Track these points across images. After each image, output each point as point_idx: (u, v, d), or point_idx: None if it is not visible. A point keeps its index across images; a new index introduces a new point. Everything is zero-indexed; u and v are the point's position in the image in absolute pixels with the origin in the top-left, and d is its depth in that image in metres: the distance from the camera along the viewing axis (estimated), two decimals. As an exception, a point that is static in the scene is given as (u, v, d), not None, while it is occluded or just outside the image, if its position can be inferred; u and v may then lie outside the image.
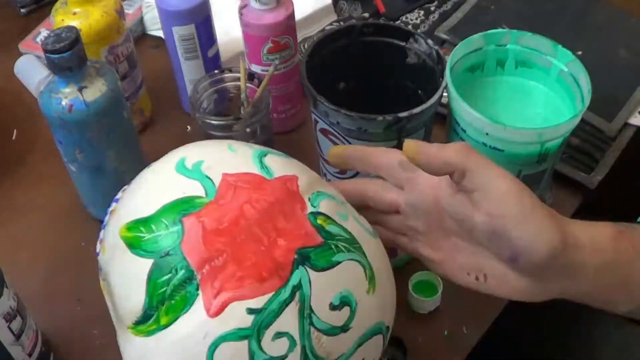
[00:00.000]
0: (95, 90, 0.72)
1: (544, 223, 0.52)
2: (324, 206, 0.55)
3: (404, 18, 1.04)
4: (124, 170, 0.79)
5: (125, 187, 0.61)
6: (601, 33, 0.99)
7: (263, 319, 0.49)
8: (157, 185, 0.56)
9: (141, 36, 1.07)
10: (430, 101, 0.74)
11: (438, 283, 0.76)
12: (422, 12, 1.04)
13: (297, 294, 0.50)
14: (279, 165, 0.57)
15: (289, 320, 0.50)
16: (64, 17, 0.81)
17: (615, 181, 0.87)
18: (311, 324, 0.51)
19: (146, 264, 0.51)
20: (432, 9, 1.04)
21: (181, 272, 0.50)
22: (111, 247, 0.55)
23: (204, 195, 0.53)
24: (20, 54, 1.02)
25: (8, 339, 0.65)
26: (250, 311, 0.49)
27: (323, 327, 0.51)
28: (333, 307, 0.52)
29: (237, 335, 0.49)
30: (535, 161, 0.74)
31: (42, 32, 1.05)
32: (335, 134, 0.76)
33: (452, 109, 0.75)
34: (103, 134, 0.75)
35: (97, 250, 0.58)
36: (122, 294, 0.53)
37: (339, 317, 0.52)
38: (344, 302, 0.52)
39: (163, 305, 0.50)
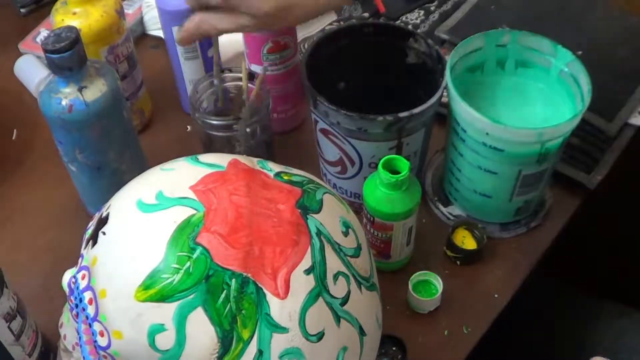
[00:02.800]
0: (95, 90, 0.72)
1: None
2: (274, 167, 0.59)
3: (404, 18, 1.04)
4: (124, 170, 0.79)
5: (82, 273, 0.56)
6: (601, 33, 0.98)
7: (319, 272, 0.53)
8: (140, 234, 0.53)
9: (141, 36, 1.07)
10: (430, 101, 0.74)
11: (438, 283, 0.76)
12: (422, 12, 1.04)
13: (322, 238, 0.54)
14: (215, 158, 0.59)
15: (333, 261, 0.54)
16: (64, 17, 0.81)
17: (615, 181, 0.87)
18: (345, 254, 0.55)
19: (195, 300, 0.50)
20: (432, 9, 1.04)
21: (233, 282, 0.50)
22: (132, 321, 0.51)
23: (194, 212, 0.52)
24: (20, 54, 1.02)
25: (8, 339, 0.64)
26: (308, 271, 0.52)
27: (351, 253, 0.56)
28: (345, 234, 0.56)
29: (312, 297, 0.52)
30: (536, 161, 0.74)
31: (42, 32, 1.05)
32: (336, 133, 0.76)
33: (452, 109, 0.75)
34: (103, 134, 0.75)
35: (105, 344, 0.53)
36: (186, 342, 0.51)
37: (351, 240, 0.57)
38: (346, 226, 0.57)
39: (236, 322, 0.50)
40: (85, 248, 0.57)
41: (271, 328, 0.50)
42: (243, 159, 0.59)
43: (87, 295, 0.54)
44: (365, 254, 0.58)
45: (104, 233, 0.55)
